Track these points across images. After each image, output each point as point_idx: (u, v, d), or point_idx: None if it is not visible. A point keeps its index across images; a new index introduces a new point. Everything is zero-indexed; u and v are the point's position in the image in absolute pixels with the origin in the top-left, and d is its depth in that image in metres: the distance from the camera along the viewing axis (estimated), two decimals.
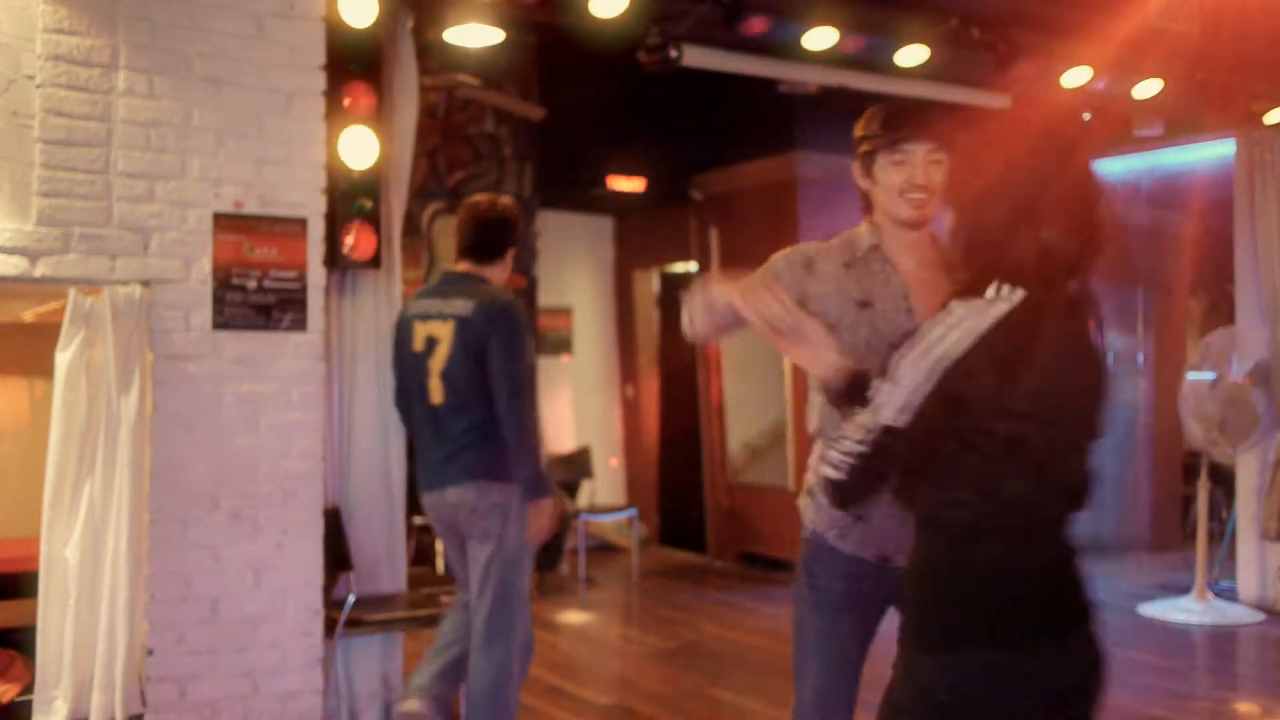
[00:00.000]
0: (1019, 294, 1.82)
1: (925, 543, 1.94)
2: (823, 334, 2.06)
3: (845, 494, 1.93)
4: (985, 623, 1.86)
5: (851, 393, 1.93)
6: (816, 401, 2.55)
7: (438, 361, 3.89)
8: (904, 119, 2.50)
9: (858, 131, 2.56)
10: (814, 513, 2.59)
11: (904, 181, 2.49)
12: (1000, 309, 1.81)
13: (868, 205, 2.60)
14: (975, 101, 6.56)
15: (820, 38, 5.25)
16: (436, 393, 3.90)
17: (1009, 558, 1.87)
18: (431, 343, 3.91)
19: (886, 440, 1.84)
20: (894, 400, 1.83)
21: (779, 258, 2.59)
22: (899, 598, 2.36)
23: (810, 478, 2.62)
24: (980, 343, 1.79)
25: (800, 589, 2.62)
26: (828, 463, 1.90)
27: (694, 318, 2.47)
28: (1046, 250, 1.85)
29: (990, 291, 1.83)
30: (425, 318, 3.95)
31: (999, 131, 2.03)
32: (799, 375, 7.63)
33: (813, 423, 2.58)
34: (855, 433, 1.87)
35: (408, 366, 4.01)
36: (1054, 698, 1.88)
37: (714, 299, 2.34)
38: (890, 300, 2.51)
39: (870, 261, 2.54)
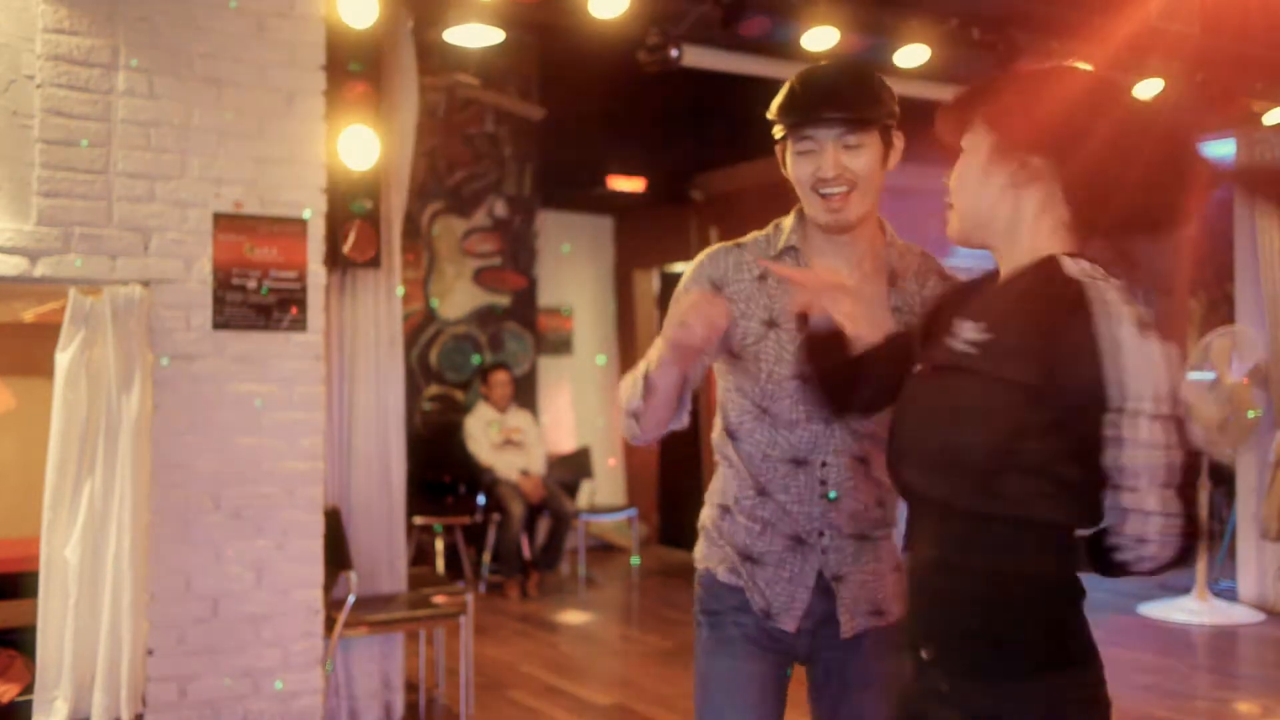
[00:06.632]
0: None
1: (1019, 545, 1.56)
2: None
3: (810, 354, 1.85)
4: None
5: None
6: (727, 473, 2.19)
7: None
8: (807, 98, 2.00)
9: (769, 113, 2.09)
10: (705, 548, 2.21)
11: (811, 175, 2.01)
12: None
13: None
14: None
15: (820, 38, 5.25)
16: None
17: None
18: None
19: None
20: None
21: (685, 292, 2.20)
22: (803, 656, 2.12)
23: (704, 514, 2.25)
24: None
25: (698, 635, 2.18)
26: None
27: (639, 409, 2.04)
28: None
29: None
30: None
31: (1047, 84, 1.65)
32: None
33: (719, 495, 2.20)
34: None
35: None
36: None
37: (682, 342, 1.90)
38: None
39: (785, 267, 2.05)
